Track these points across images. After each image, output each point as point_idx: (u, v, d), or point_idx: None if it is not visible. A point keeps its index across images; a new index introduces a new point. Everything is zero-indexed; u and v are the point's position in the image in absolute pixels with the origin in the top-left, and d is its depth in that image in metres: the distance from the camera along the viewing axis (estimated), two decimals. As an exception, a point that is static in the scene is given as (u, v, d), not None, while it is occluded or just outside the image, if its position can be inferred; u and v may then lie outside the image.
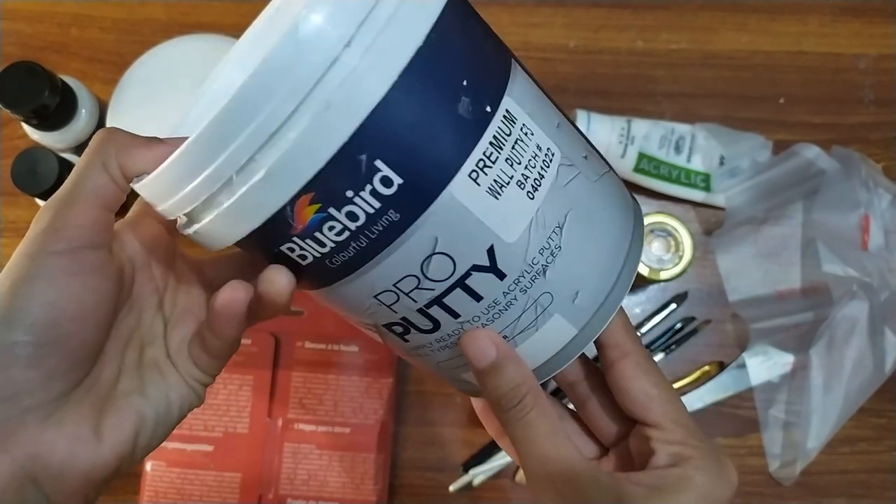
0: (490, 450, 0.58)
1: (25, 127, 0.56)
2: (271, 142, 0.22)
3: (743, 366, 0.59)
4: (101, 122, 0.57)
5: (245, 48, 0.32)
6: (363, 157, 0.22)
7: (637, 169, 0.60)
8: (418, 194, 0.23)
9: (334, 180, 0.22)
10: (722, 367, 0.60)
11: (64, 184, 0.27)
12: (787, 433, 0.58)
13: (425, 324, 0.27)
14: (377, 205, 0.23)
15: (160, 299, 0.31)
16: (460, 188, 0.24)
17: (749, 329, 0.60)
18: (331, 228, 0.23)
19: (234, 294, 0.27)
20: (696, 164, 0.61)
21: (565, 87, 0.64)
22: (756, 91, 0.64)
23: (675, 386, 0.59)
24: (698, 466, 0.28)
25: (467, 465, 0.58)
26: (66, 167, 0.54)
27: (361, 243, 0.24)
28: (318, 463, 0.56)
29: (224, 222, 0.24)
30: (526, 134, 0.25)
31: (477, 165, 0.24)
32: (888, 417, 0.59)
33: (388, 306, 0.26)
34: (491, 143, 0.24)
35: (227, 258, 0.33)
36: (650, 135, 0.60)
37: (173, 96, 0.53)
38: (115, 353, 0.29)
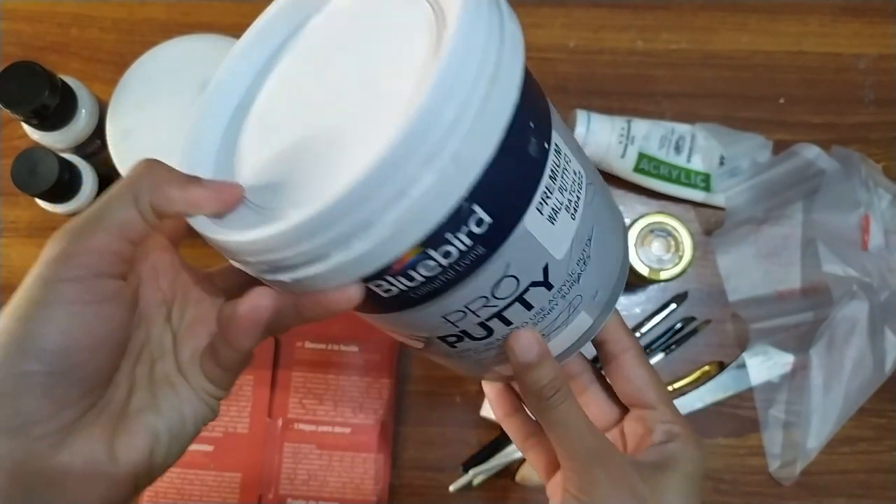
0: (490, 450, 0.58)
1: (25, 127, 0.56)
2: (399, 200, 0.22)
3: (743, 366, 0.59)
4: (101, 122, 0.57)
5: (247, 48, 0.32)
6: (466, 203, 0.23)
7: (637, 169, 0.60)
8: (501, 229, 0.25)
9: (443, 227, 0.23)
10: (722, 367, 0.60)
11: (89, 209, 0.26)
12: (787, 433, 0.58)
13: (480, 333, 0.29)
14: (469, 243, 0.24)
15: (168, 311, 0.30)
16: (531, 220, 0.26)
17: (749, 329, 0.60)
18: (425, 267, 0.25)
19: (259, 300, 0.27)
20: (696, 164, 0.61)
21: (565, 87, 0.64)
22: (756, 91, 0.64)
23: (676, 386, 0.60)
24: (687, 440, 0.34)
25: (467, 465, 0.58)
26: (66, 167, 0.54)
27: (448, 276, 0.25)
28: (318, 463, 0.56)
29: (332, 275, 0.24)
30: (567, 162, 0.28)
31: (541, 198, 0.26)
32: (888, 417, 0.59)
33: (453, 323, 0.28)
34: (549, 177, 0.26)
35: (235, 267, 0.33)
36: (650, 135, 0.60)
37: (173, 96, 0.53)
38: (126, 370, 0.28)
